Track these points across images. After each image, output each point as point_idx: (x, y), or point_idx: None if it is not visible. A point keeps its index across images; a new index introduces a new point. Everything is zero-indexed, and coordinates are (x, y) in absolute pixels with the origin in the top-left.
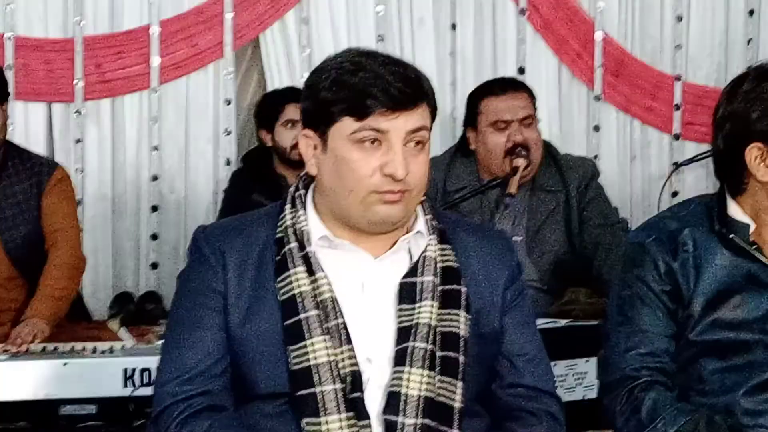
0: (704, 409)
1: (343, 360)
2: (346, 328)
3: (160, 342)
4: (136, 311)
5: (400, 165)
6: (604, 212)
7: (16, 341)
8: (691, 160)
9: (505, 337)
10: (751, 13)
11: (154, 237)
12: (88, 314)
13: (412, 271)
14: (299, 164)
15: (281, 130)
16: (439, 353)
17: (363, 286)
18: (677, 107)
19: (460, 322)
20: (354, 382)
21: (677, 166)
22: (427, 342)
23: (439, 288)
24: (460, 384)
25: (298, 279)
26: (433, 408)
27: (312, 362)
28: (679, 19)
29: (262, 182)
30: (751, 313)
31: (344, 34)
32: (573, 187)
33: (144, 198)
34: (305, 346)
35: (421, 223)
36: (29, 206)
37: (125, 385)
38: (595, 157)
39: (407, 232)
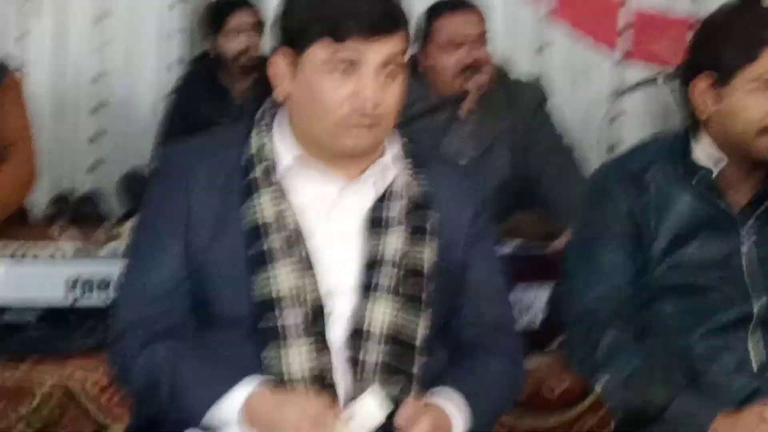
0: (659, 353)
1: (305, 291)
2: (308, 258)
3: (104, 250)
4: (73, 214)
5: (371, 94)
6: (551, 138)
7: None
8: (633, 88)
9: (468, 272)
10: None
11: (94, 139)
12: (26, 217)
13: (382, 200)
14: (244, 72)
15: (226, 38)
16: (402, 289)
17: (329, 214)
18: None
19: (423, 259)
20: (316, 313)
21: (620, 94)
22: (391, 275)
23: (408, 215)
24: (422, 320)
25: (263, 207)
26: (395, 345)
27: (274, 293)
28: None
29: (207, 90)
30: (708, 258)
31: None
32: (521, 111)
33: (84, 99)
34: (268, 276)
35: (393, 149)
36: None
37: (66, 295)
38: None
39: (377, 157)
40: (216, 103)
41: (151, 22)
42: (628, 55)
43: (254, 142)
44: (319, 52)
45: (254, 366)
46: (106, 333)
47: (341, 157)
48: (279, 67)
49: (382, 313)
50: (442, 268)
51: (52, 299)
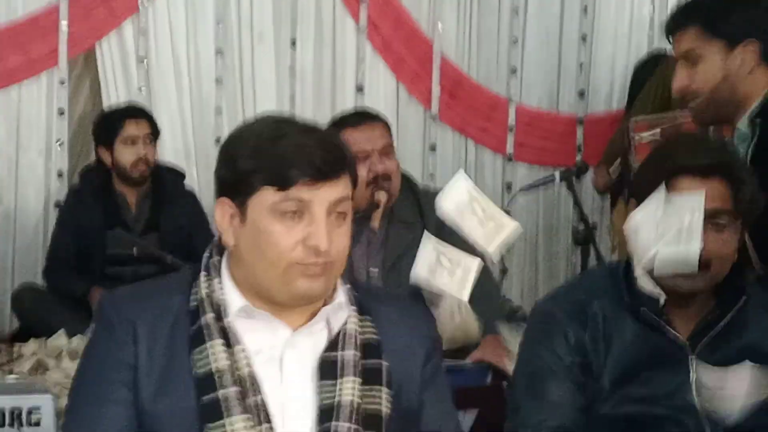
0: None
1: None
2: (265, 406)
3: (12, 378)
4: None
5: (323, 237)
6: (462, 245)
7: None
8: (531, 186)
9: (423, 414)
10: (584, 38)
11: None
12: None
13: (333, 346)
14: (139, 182)
15: (121, 148)
16: None
17: (282, 360)
18: (511, 129)
19: (382, 399)
20: None
21: (519, 190)
22: (351, 421)
23: (360, 363)
24: None
25: (216, 353)
26: None
27: None
28: (515, 42)
29: (101, 200)
30: (659, 389)
31: (183, 47)
32: (431, 220)
33: None
34: (224, 426)
35: (341, 294)
36: None
37: None
38: (431, 175)
39: (325, 304)
40: (110, 212)
41: (34, 133)
42: (516, 154)
43: (203, 286)
44: (265, 199)
45: None
46: None
47: (292, 304)
48: (222, 217)
49: None
50: (397, 417)
51: None
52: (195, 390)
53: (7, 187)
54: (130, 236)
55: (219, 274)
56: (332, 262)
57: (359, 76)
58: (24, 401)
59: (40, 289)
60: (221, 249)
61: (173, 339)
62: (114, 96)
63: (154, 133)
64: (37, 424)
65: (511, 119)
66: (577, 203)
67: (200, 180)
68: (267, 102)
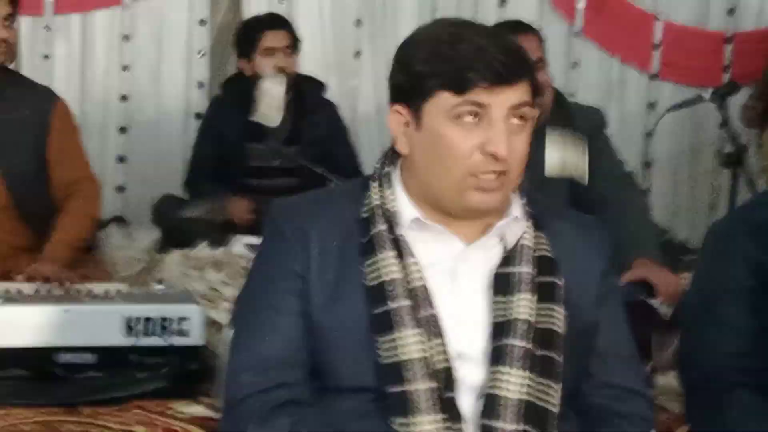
0: None
1: (434, 355)
2: (437, 320)
3: (160, 287)
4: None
5: (502, 142)
6: (611, 165)
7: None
8: (680, 105)
9: (599, 333)
10: None
11: (122, 159)
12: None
13: (508, 261)
14: None
15: (260, 59)
16: (537, 352)
17: (454, 274)
18: (656, 46)
19: (558, 318)
20: (447, 380)
21: (668, 110)
22: (526, 340)
23: (535, 279)
24: (557, 386)
25: (388, 264)
26: (533, 413)
27: (403, 357)
28: None
29: (242, 111)
30: None
31: None
32: (583, 134)
33: (112, 119)
34: (395, 339)
35: (517, 208)
36: (32, 138)
37: (126, 334)
38: (571, 95)
39: (500, 217)
40: (252, 123)
41: (175, 43)
42: (661, 72)
43: (376, 196)
44: (442, 103)
45: None
46: (170, 375)
47: (465, 216)
48: (399, 115)
49: (519, 380)
50: (573, 333)
51: (110, 340)
52: (366, 301)
53: (149, 97)
54: (275, 147)
55: (391, 185)
56: (509, 171)
57: None
58: (172, 311)
59: (181, 199)
60: (393, 159)
61: (344, 249)
62: (255, 6)
63: (294, 44)
64: (186, 333)
65: (657, 36)
66: (727, 124)
67: (340, 91)
68: (408, 14)
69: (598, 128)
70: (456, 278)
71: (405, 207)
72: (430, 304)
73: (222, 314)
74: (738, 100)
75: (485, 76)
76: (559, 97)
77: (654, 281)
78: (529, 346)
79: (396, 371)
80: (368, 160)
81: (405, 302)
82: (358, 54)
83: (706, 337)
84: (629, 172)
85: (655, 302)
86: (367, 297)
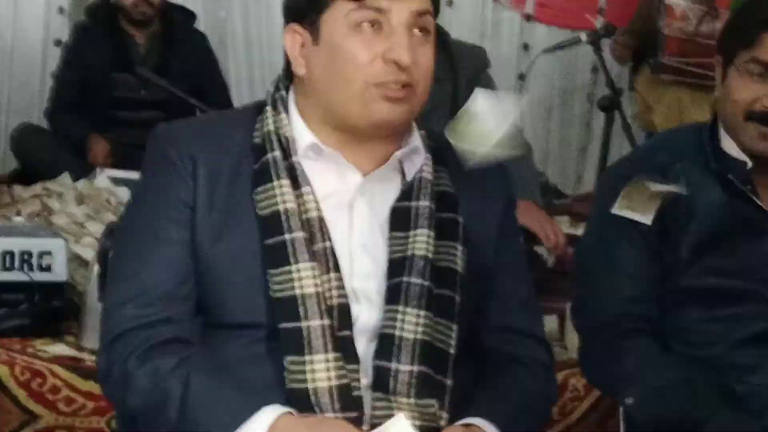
0: (691, 365)
1: (329, 291)
2: (334, 253)
3: (20, 220)
4: None
5: (404, 49)
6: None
7: None
8: (556, 47)
9: (497, 274)
10: None
11: None
12: None
13: (406, 194)
14: (143, 23)
15: None
16: (435, 291)
17: (351, 207)
18: None
19: (457, 257)
20: (342, 317)
21: (543, 51)
22: (423, 278)
23: (435, 215)
24: (455, 327)
25: (283, 193)
26: (430, 353)
27: (297, 291)
28: None
29: (108, 40)
30: (743, 261)
31: None
32: (462, 77)
33: None
34: (290, 272)
35: (416, 138)
36: None
37: None
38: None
39: (398, 147)
40: (117, 54)
41: None
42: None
43: (271, 120)
44: (340, 11)
45: (272, 379)
46: (32, 313)
47: (370, 133)
48: (295, 34)
49: (415, 319)
50: (472, 272)
51: None
52: (258, 231)
53: (6, 22)
54: (145, 75)
55: (286, 110)
56: (415, 84)
57: None
58: (34, 245)
59: (42, 129)
60: (287, 84)
61: (235, 177)
62: None
63: None
64: (48, 269)
65: None
66: (604, 67)
67: (206, 23)
68: None
69: (481, 68)
70: (353, 211)
71: (301, 133)
72: (327, 237)
73: (87, 250)
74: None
75: None
76: (441, 36)
77: (536, 229)
78: (427, 283)
79: (289, 306)
80: (237, 94)
81: (299, 233)
82: None
83: (602, 283)
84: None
85: (541, 250)
86: (258, 227)
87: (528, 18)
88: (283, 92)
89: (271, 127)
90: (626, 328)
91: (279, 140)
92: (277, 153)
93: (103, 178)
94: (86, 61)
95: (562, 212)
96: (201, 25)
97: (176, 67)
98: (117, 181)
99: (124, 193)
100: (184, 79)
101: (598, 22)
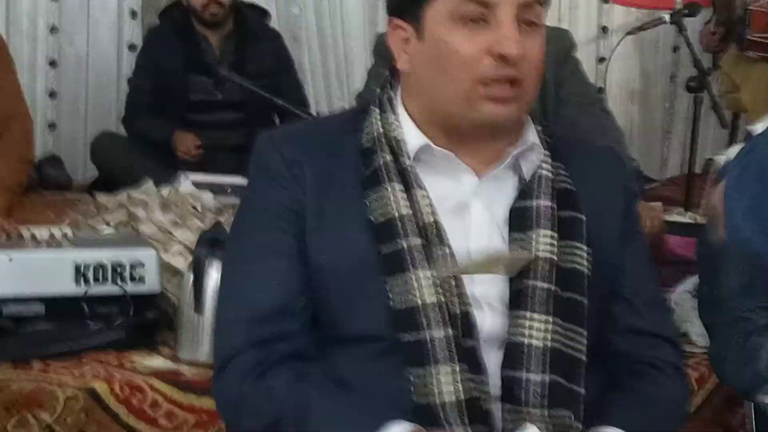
0: None
1: (450, 299)
2: (454, 258)
3: (108, 230)
4: (39, 178)
5: (514, 42)
6: (581, 90)
7: None
8: (640, 28)
9: (623, 275)
10: None
11: (52, 95)
12: None
13: (525, 193)
14: (215, 23)
15: None
16: (562, 294)
17: (467, 208)
18: None
19: (582, 257)
20: (466, 327)
21: (627, 33)
22: (550, 281)
23: (557, 215)
24: (585, 332)
25: (397, 198)
26: (561, 361)
27: (418, 301)
28: None
29: (181, 42)
30: None
31: None
32: (549, 61)
33: (41, 52)
34: (407, 281)
35: (532, 134)
36: None
37: (77, 282)
38: None
39: (515, 143)
40: (192, 54)
41: None
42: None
43: (379, 119)
44: (444, 5)
45: (395, 393)
46: (127, 326)
47: (479, 132)
48: (399, 30)
49: (544, 326)
50: (596, 274)
51: (59, 288)
52: (371, 239)
53: (79, 27)
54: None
55: (394, 110)
56: (523, 79)
57: None
58: (126, 256)
59: (120, 137)
60: (393, 82)
61: (344, 183)
62: None
63: None
64: (141, 280)
65: None
66: (690, 46)
67: (279, 20)
68: None
69: (567, 51)
70: (469, 214)
71: (411, 134)
72: (444, 242)
73: (177, 258)
74: (696, 23)
75: None
76: None
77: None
78: (553, 287)
79: (410, 316)
80: (312, 91)
81: (416, 240)
82: None
83: (733, 277)
84: (600, 97)
85: None
86: (372, 234)
87: (606, 1)
88: (390, 92)
89: (381, 130)
90: (762, 325)
91: (389, 143)
92: (388, 156)
93: (187, 183)
94: (160, 65)
95: (653, 198)
96: (275, 22)
97: (251, 66)
98: (201, 186)
99: (208, 198)
100: (260, 78)
101: (679, 3)
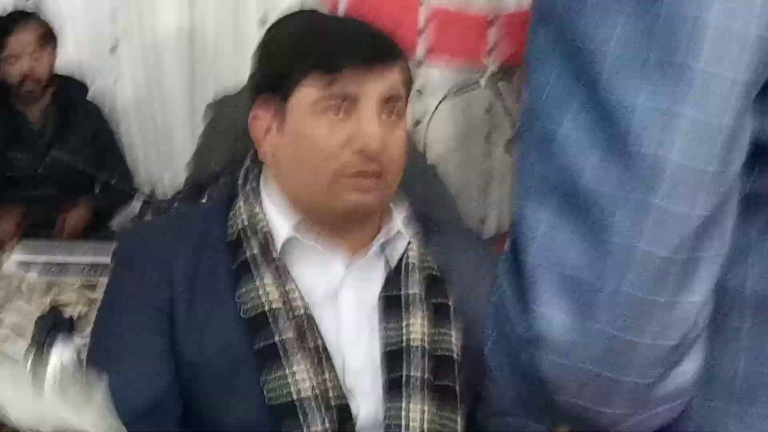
0: None
1: (328, 391)
2: (327, 350)
3: None
4: None
5: (374, 136)
6: (413, 157)
7: None
8: (458, 92)
9: None
10: None
11: None
12: None
13: (393, 281)
14: (35, 96)
15: (7, 63)
16: (435, 381)
17: (337, 298)
18: (421, 31)
19: (453, 344)
20: (342, 417)
21: (445, 97)
22: (423, 370)
23: (426, 301)
24: (459, 419)
25: (267, 292)
26: None
27: (295, 395)
28: None
29: None
30: None
31: None
32: None
33: None
34: (285, 376)
35: (398, 220)
36: None
37: None
38: None
39: (379, 230)
40: (10, 131)
41: None
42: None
43: (243, 211)
44: (308, 91)
45: None
46: None
47: (344, 220)
48: (260, 120)
49: (420, 413)
50: (469, 352)
51: None
52: (245, 334)
53: None
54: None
55: (259, 200)
56: (385, 172)
57: None
58: None
59: None
60: (256, 171)
61: (213, 276)
62: None
63: (47, 40)
64: None
65: (422, 21)
66: (507, 111)
67: (95, 91)
68: (165, 3)
69: None
70: (339, 303)
71: (278, 225)
72: (317, 334)
73: (10, 347)
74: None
75: (358, 53)
76: None
77: None
78: (426, 375)
79: (288, 412)
80: (130, 159)
81: (290, 333)
82: (113, 49)
83: None
84: (432, 165)
85: None
86: (244, 329)
87: (419, 63)
88: (254, 183)
89: (246, 222)
90: None
91: (255, 235)
92: (256, 249)
93: (11, 263)
94: None
95: None
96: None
97: (72, 139)
98: (25, 266)
99: (35, 278)
100: (82, 150)
101: (492, 63)
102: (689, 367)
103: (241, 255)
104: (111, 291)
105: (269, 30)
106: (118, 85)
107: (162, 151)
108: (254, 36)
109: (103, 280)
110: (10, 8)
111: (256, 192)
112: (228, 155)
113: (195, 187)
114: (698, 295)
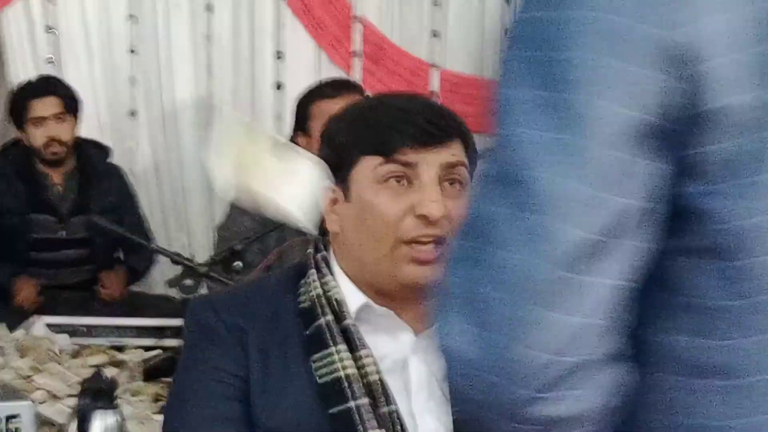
0: None
1: None
2: (399, 417)
3: None
4: None
5: (436, 202)
6: None
7: None
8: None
9: None
10: (508, 1)
11: None
12: None
13: None
14: (57, 162)
15: (31, 129)
16: None
17: (406, 366)
18: (433, 94)
19: None
20: None
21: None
22: None
23: None
24: None
25: (342, 358)
26: None
27: None
28: (437, 4)
29: (23, 181)
30: None
31: (93, 14)
32: None
33: None
34: None
35: None
36: None
37: None
38: None
39: None
40: (34, 193)
41: None
42: None
43: (318, 283)
44: (367, 167)
45: None
46: None
47: (402, 293)
48: (325, 202)
49: None
50: None
51: None
52: (319, 400)
53: None
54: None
55: (331, 270)
56: (447, 238)
57: (278, 42)
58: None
59: None
60: (325, 243)
61: (286, 345)
62: (21, 67)
63: (70, 108)
64: None
65: (434, 84)
66: None
67: (115, 154)
68: (183, 71)
69: None
70: (409, 371)
71: (350, 294)
72: (391, 401)
73: (44, 406)
74: None
75: (410, 136)
76: None
77: None
78: None
79: None
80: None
81: (364, 399)
82: (132, 113)
83: None
84: None
85: None
86: (318, 395)
87: None
88: (324, 252)
89: (320, 291)
90: None
91: (329, 303)
92: (330, 317)
93: (41, 326)
94: (1, 205)
95: None
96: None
97: (95, 203)
98: (54, 328)
99: (65, 341)
100: (104, 214)
101: None
102: (585, 395)
103: (315, 322)
104: (187, 358)
105: (329, 120)
106: (138, 149)
107: (179, 212)
108: (270, 100)
109: (131, 341)
110: (34, 74)
111: (328, 262)
112: (259, 220)
113: (228, 250)
114: (578, 315)
